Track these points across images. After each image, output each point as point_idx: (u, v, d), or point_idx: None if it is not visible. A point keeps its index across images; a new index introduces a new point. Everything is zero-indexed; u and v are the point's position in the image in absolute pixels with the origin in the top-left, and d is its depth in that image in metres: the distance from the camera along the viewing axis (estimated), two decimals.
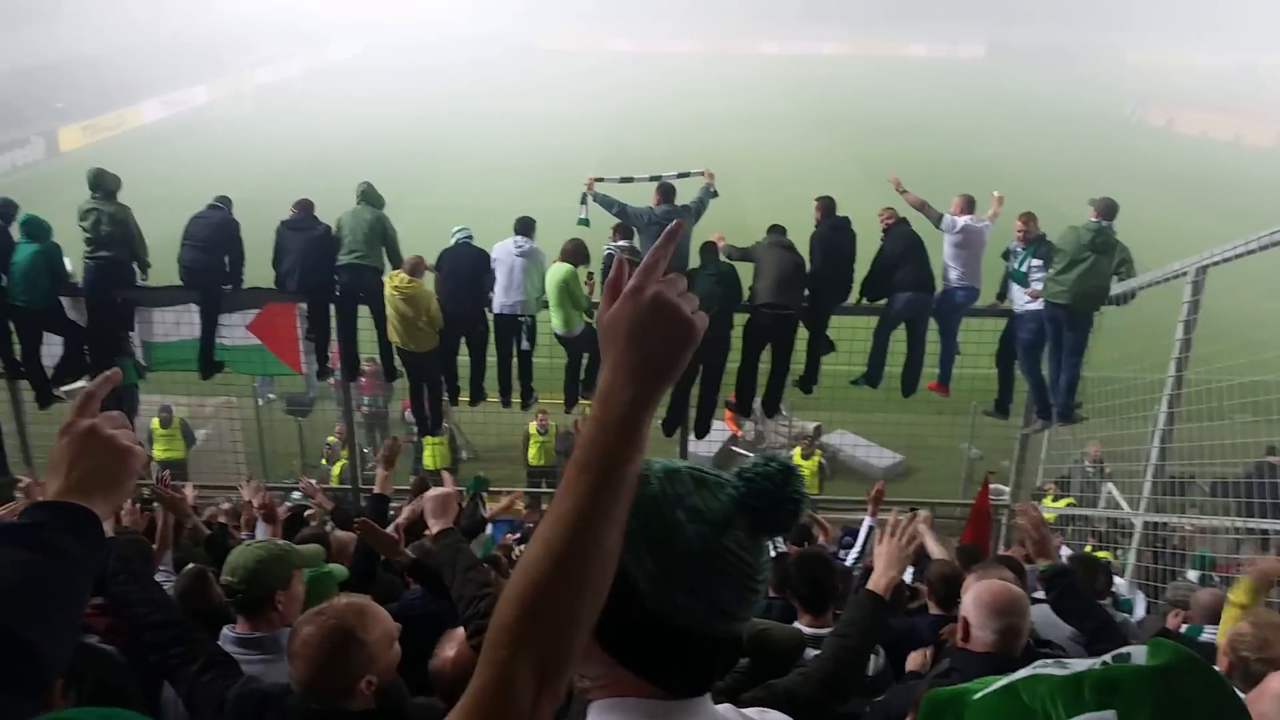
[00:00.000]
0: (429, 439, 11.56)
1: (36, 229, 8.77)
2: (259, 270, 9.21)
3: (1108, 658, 2.32)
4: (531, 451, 11.59)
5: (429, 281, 8.86)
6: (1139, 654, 2.28)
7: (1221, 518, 8.02)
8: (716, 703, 1.31)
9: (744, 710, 1.39)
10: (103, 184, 8.86)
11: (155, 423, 11.66)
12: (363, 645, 2.40)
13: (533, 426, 11.45)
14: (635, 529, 1.13)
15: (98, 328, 9.15)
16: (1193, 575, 6.91)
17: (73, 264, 9.15)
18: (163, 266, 9.48)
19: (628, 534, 1.09)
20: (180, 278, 8.98)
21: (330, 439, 11.61)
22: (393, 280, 8.63)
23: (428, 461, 11.77)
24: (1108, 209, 8.29)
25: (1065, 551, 7.14)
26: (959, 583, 4.63)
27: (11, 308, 8.78)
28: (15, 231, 8.90)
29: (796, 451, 11.67)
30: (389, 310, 8.71)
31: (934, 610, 4.60)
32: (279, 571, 3.12)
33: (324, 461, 12.31)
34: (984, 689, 2.32)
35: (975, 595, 2.98)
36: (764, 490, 1.22)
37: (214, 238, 8.89)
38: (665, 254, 1.16)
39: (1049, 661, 2.37)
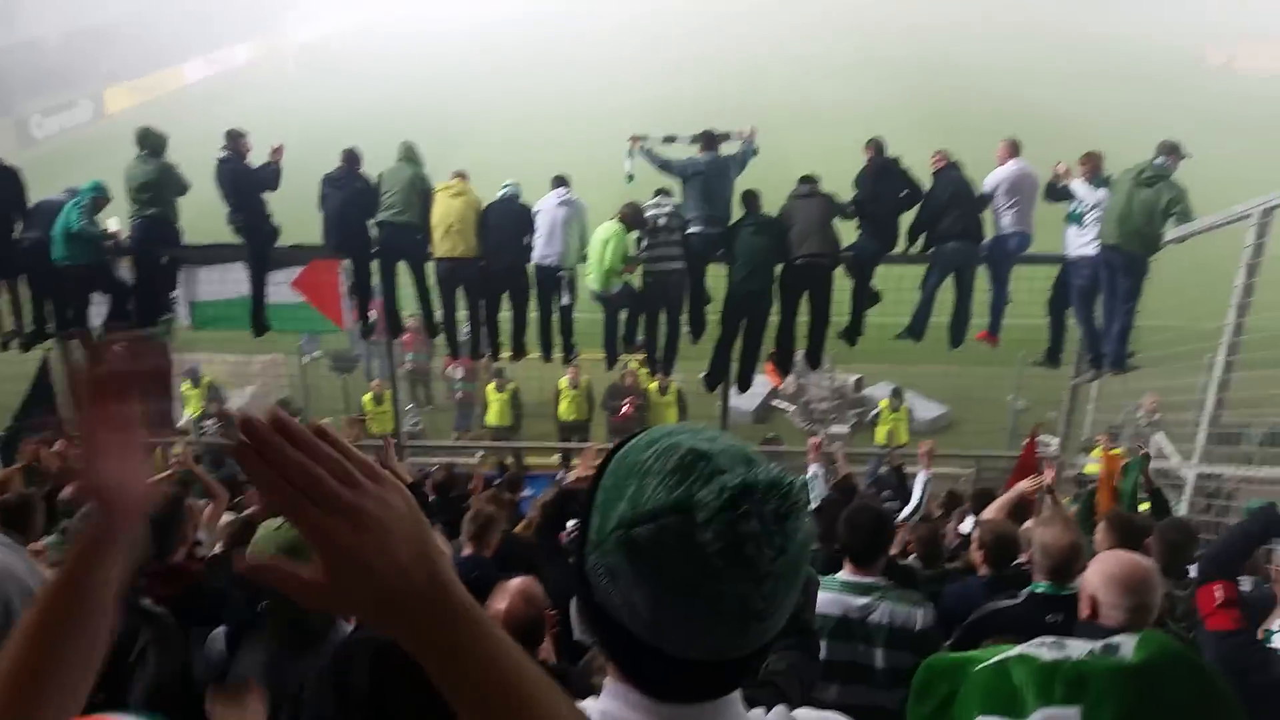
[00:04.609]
0: (493, 394, 11.71)
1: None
2: (304, 228, 9.25)
3: (1097, 646, 2.23)
4: (563, 406, 11.55)
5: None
6: (1128, 645, 2.18)
7: (1274, 468, 7.79)
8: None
9: (795, 713, 1.21)
10: (149, 142, 8.95)
11: (186, 384, 11.80)
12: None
13: (563, 381, 11.42)
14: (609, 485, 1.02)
15: (144, 286, 9.28)
16: None
17: (121, 223, 9.27)
18: (207, 226, 9.56)
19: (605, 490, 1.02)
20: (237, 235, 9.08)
21: (366, 396, 11.64)
22: (447, 189, 8.75)
23: (490, 419, 11.90)
24: (1169, 147, 7.98)
25: None
26: (1015, 544, 4.49)
27: (61, 269, 8.90)
28: None
29: (884, 403, 11.47)
30: (436, 217, 8.72)
31: (984, 571, 4.33)
32: None
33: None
34: (986, 660, 2.25)
35: (1104, 570, 2.75)
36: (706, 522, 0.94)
37: (239, 191, 8.91)
38: None
39: (1049, 639, 2.28)
